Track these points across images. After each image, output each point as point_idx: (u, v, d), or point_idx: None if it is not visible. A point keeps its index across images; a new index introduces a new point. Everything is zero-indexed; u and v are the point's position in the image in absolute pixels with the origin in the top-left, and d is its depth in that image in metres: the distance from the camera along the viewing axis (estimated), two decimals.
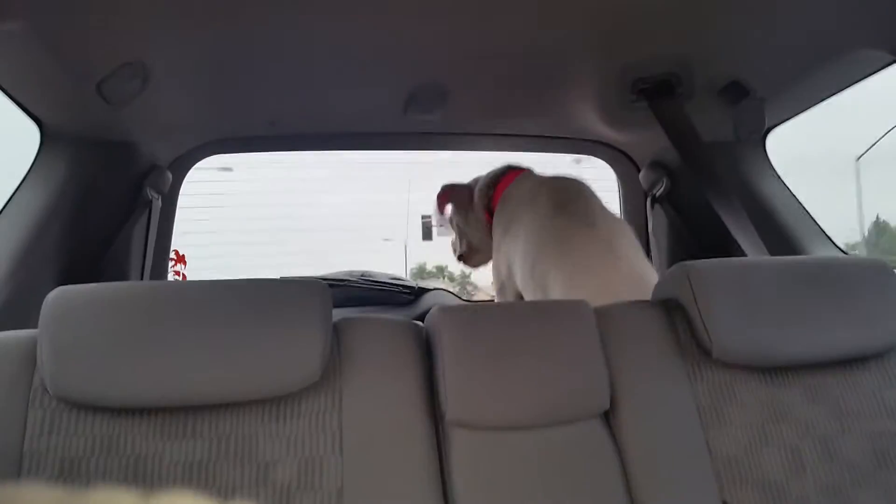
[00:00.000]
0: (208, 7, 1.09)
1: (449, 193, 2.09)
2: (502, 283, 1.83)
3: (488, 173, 1.99)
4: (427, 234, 2.11)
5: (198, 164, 1.89)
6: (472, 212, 2.02)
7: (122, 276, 1.64)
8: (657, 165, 1.95)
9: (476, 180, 2.03)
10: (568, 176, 1.84)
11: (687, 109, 1.54)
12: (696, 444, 0.97)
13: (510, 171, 1.94)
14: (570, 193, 1.74)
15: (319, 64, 1.38)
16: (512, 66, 1.44)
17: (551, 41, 1.32)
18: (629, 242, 1.65)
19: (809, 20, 1.22)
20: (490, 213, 1.94)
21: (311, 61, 1.36)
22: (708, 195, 1.55)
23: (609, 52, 1.40)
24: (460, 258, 2.17)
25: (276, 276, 1.09)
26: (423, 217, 2.07)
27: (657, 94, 1.53)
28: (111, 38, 1.15)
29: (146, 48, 1.21)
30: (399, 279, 2.26)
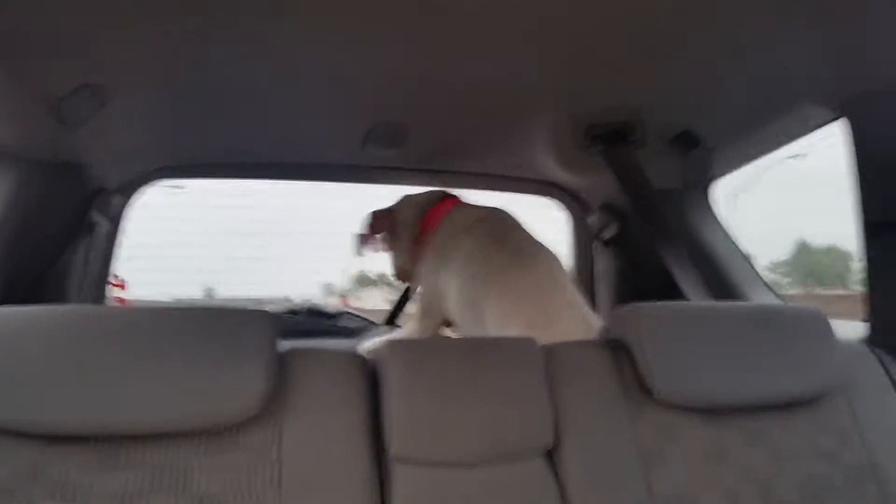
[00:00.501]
0: (170, 33, 1.09)
1: (377, 224, 1.98)
2: (427, 310, 1.79)
3: (415, 199, 1.92)
4: (359, 251, 2.07)
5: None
6: (398, 238, 1.95)
7: (61, 298, 1.59)
8: (607, 209, 1.99)
9: (402, 203, 1.95)
10: (500, 208, 1.82)
11: (638, 156, 1.59)
12: (637, 484, 0.98)
13: (443, 200, 1.88)
14: (507, 225, 1.75)
15: (277, 95, 1.38)
16: (470, 107, 1.47)
17: (509, 87, 1.35)
18: (565, 274, 1.67)
19: (760, 75, 1.28)
20: (416, 239, 1.89)
21: (270, 92, 1.36)
22: (655, 240, 1.59)
23: (565, 100, 1.44)
24: (398, 277, 2.06)
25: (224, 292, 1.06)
26: (355, 234, 2.02)
27: (611, 140, 1.57)
28: (71, 60, 1.13)
29: (105, 71, 1.19)
30: (348, 312, 2.25)
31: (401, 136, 1.63)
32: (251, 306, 1.05)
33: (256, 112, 1.48)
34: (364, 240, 1.96)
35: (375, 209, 1.96)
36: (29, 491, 0.80)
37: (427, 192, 1.93)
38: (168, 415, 0.85)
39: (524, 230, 1.75)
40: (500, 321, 1.51)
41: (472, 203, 1.89)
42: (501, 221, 1.77)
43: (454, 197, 1.91)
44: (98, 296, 1.81)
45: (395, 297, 2.24)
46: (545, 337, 1.17)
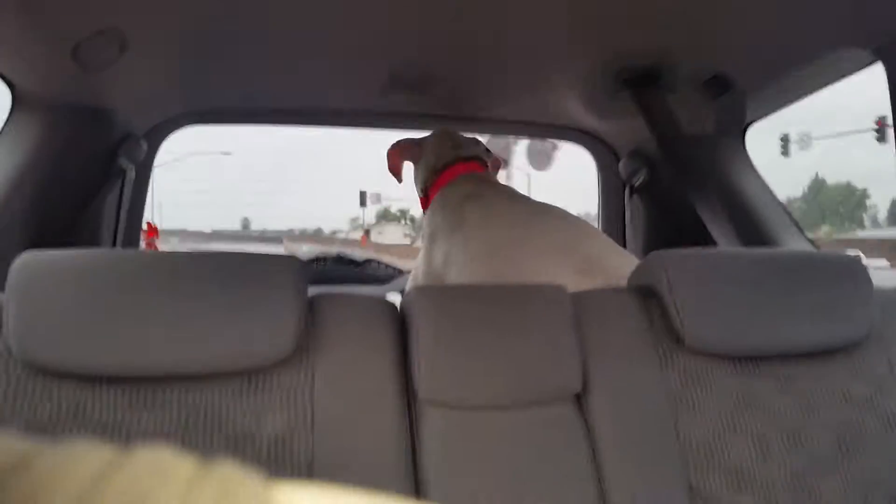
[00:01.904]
0: None
1: (403, 150, 1.93)
2: (432, 276, 1.71)
3: (435, 154, 1.84)
4: (363, 202, 2.07)
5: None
6: (417, 172, 1.91)
7: (93, 244, 1.62)
8: (637, 155, 1.96)
9: (431, 143, 1.88)
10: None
11: (669, 101, 1.55)
12: (666, 428, 0.98)
13: (453, 166, 1.80)
14: (513, 192, 1.72)
15: (299, 39, 1.36)
16: (496, 52, 1.44)
17: (537, 28, 1.31)
18: (591, 224, 1.63)
19: (794, 16, 1.22)
20: (426, 196, 1.85)
21: (291, 36, 1.34)
22: (686, 187, 1.56)
23: (594, 42, 1.40)
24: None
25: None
26: (360, 191, 2.01)
27: (641, 84, 1.53)
28: (88, 3, 1.12)
29: (123, 15, 1.18)
30: (375, 260, 2.26)
31: (425, 82, 1.61)
32: (285, 238, 1.05)
33: (277, 56, 1.46)
34: (390, 161, 1.93)
35: (407, 138, 1.92)
36: (70, 429, 0.83)
37: (449, 147, 1.85)
38: (201, 357, 0.87)
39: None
40: (538, 278, 1.46)
41: (479, 175, 1.80)
42: (506, 190, 1.74)
43: (470, 162, 1.82)
44: (130, 241, 1.84)
45: (413, 233, 2.23)
46: (595, 283, 1.16)
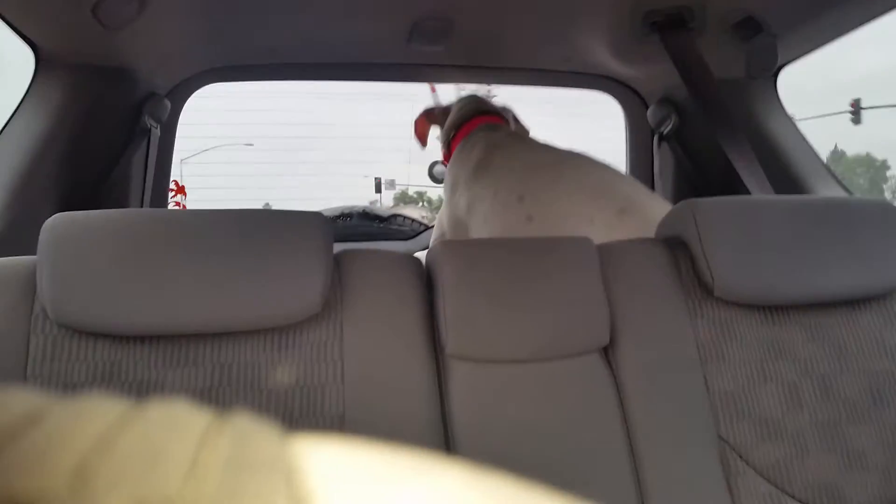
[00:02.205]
0: None
1: (428, 116, 2.00)
2: (455, 223, 1.75)
3: (459, 113, 1.90)
4: (378, 189, 2.11)
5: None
6: (443, 136, 1.96)
7: (121, 204, 1.63)
8: (666, 102, 1.91)
9: (455, 108, 1.94)
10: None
11: (699, 44, 1.50)
12: (695, 379, 0.98)
13: (474, 118, 1.84)
14: (536, 142, 1.71)
15: None
16: None
17: None
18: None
19: None
20: (448, 151, 1.88)
21: None
22: (716, 133, 1.52)
23: None
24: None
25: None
26: (375, 178, 2.05)
27: (669, 27, 1.48)
28: None
29: None
30: (400, 215, 2.26)
31: (446, 31, 1.57)
32: None
33: (298, 10, 1.44)
34: (417, 127, 1.95)
35: (427, 108, 1.95)
36: (106, 387, 0.85)
37: (470, 106, 1.89)
38: (232, 314, 0.88)
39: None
40: (573, 220, 1.46)
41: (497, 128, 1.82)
42: (528, 139, 1.74)
43: (490, 116, 1.85)
44: (159, 201, 1.86)
45: (431, 214, 2.25)
46: (635, 224, 1.14)
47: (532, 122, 2.03)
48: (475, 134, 1.77)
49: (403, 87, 2.25)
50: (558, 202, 1.49)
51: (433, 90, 2.06)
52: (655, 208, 1.38)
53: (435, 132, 2.01)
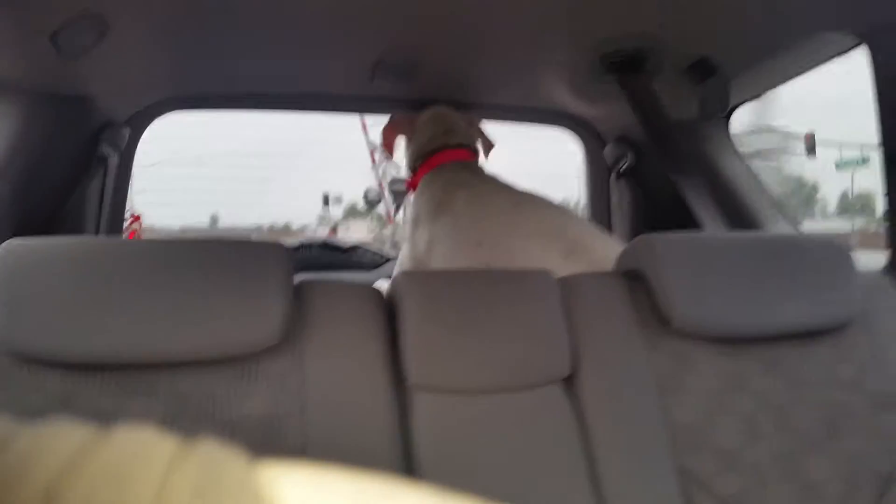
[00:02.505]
0: None
1: (395, 126, 1.94)
2: (415, 261, 1.72)
3: (426, 136, 1.83)
4: (325, 202, 2.09)
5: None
6: (408, 146, 1.91)
7: (76, 231, 1.60)
8: (623, 141, 1.96)
9: (424, 121, 1.86)
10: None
11: (655, 86, 1.55)
12: (654, 410, 0.99)
13: (443, 152, 1.79)
14: (495, 181, 1.72)
15: (284, 24, 1.34)
16: (482, 35, 1.43)
17: (523, 12, 1.30)
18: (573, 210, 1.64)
19: (778, 0, 1.23)
20: (414, 175, 1.85)
21: (276, 21, 1.33)
22: (671, 171, 1.57)
23: (579, 26, 1.40)
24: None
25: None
26: (323, 194, 2.03)
27: (626, 68, 1.53)
28: None
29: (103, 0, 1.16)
30: (361, 247, 2.26)
31: (410, 68, 1.60)
32: (255, 235, 1.05)
33: (262, 41, 1.44)
34: (384, 136, 1.94)
35: (402, 114, 1.92)
36: (61, 417, 0.82)
37: (441, 132, 1.83)
38: (190, 344, 0.86)
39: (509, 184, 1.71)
40: (526, 264, 1.46)
41: (463, 166, 1.79)
42: (491, 178, 1.74)
43: (458, 151, 1.81)
44: (114, 229, 1.82)
45: (378, 230, 2.25)
46: (580, 267, 1.15)
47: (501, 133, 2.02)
48: (441, 171, 1.76)
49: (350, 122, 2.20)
50: (513, 249, 1.51)
51: (364, 129, 2.05)
52: (600, 250, 1.41)
53: (402, 141, 1.97)
